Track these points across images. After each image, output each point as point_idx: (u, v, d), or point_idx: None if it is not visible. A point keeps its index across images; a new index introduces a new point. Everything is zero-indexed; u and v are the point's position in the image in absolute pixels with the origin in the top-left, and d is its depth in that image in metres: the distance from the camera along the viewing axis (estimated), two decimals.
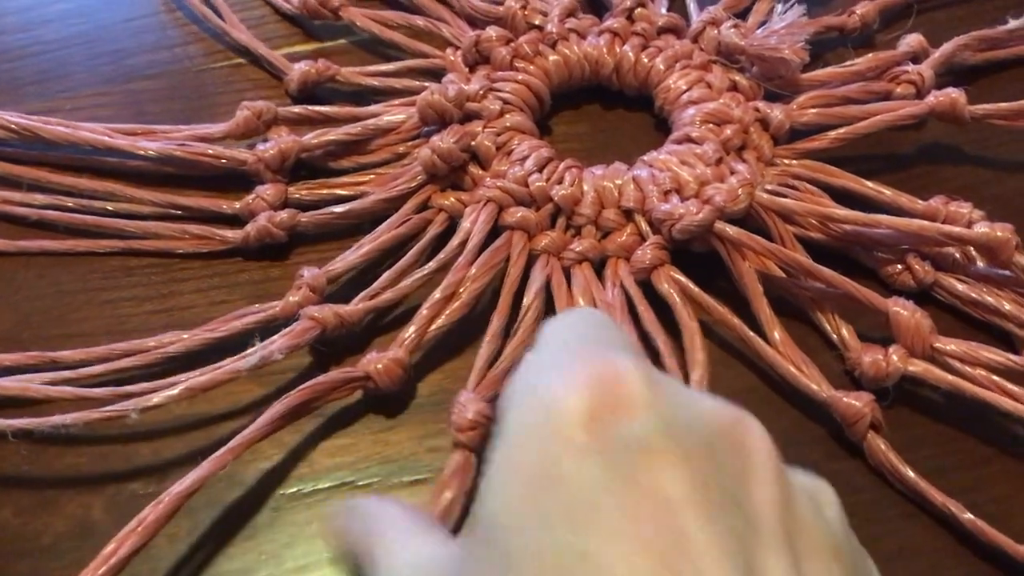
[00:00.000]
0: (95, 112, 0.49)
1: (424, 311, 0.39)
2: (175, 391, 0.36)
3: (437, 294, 0.39)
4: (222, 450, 0.34)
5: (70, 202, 0.45)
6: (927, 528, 0.36)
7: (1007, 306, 0.41)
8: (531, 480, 0.20)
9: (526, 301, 0.40)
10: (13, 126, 0.45)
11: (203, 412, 0.39)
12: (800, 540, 0.21)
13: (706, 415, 0.21)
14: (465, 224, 0.42)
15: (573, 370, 0.21)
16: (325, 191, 0.45)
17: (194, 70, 0.51)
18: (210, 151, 0.45)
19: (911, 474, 0.36)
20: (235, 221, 0.44)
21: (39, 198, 0.45)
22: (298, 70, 0.49)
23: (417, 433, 0.38)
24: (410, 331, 0.38)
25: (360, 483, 0.37)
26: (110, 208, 0.45)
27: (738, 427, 0.22)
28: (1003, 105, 0.47)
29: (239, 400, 0.39)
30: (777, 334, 0.39)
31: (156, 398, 0.36)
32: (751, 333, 0.39)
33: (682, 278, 0.41)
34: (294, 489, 0.37)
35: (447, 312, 0.39)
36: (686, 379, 0.38)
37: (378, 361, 0.37)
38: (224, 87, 0.50)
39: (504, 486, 0.20)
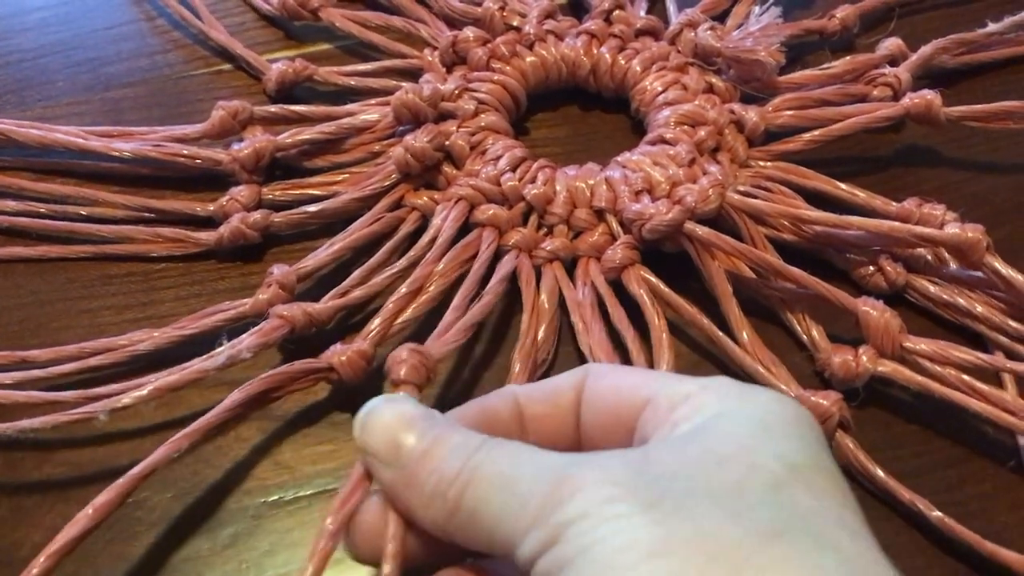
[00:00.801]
0: (74, 120, 0.48)
1: (390, 305, 0.39)
2: (144, 391, 0.36)
3: (403, 288, 0.39)
4: (179, 435, 0.33)
5: (42, 208, 0.45)
6: (904, 529, 0.36)
7: (979, 308, 0.41)
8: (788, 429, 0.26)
9: (491, 283, 0.40)
10: None
11: (179, 416, 0.38)
12: None
13: None
14: (436, 221, 0.42)
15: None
16: (299, 191, 0.45)
17: (173, 77, 0.51)
18: (185, 151, 0.45)
19: (880, 473, 0.36)
20: (209, 223, 0.44)
21: (11, 204, 0.45)
22: (276, 69, 0.49)
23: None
24: (375, 324, 0.38)
25: None
26: (83, 213, 0.45)
27: None
28: (978, 107, 0.47)
29: (214, 403, 0.38)
30: (746, 334, 0.39)
31: (125, 399, 0.36)
32: (720, 333, 0.39)
33: (652, 278, 0.41)
34: (275, 497, 0.37)
35: (413, 306, 0.39)
36: None
37: (342, 353, 0.37)
38: (203, 94, 0.50)
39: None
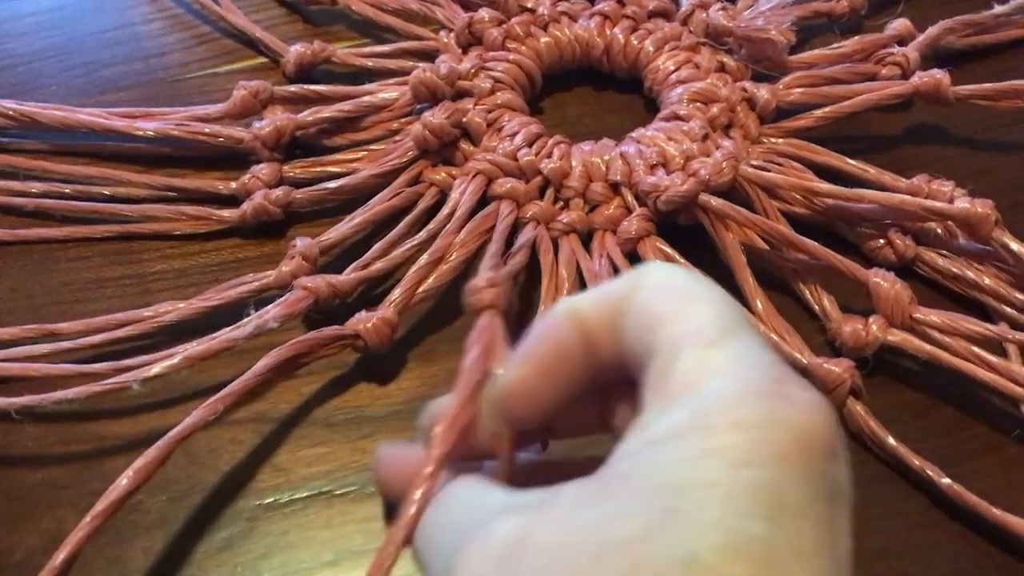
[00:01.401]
0: None
1: (411, 274, 0.40)
2: (175, 360, 0.37)
3: (424, 258, 0.40)
4: (213, 398, 0.34)
5: (67, 189, 0.46)
6: (909, 527, 0.36)
7: (987, 280, 0.41)
8: (738, 465, 0.20)
9: (517, 244, 0.41)
10: (10, 112, 0.46)
11: (178, 422, 0.37)
12: None
13: None
14: (454, 195, 0.43)
15: (813, 399, 0.22)
16: (319, 169, 0.46)
17: (168, 80, 0.51)
18: (207, 130, 0.46)
19: (890, 440, 0.37)
20: (231, 202, 0.45)
21: (36, 187, 0.46)
22: (294, 51, 0.50)
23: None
24: (397, 293, 0.39)
25: (337, 492, 0.37)
26: (107, 193, 0.45)
27: None
28: (987, 85, 0.48)
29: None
30: (760, 303, 0.40)
31: (156, 368, 0.36)
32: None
33: (668, 248, 0.42)
34: (270, 500, 0.37)
35: (434, 275, 0.40)
36: None
37: (367, 320, 0.38)
38: (199, 97, 0.50)
39: (702, 455, 0.20)
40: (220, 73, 0.52)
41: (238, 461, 0.38)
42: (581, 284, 0.41)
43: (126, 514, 0.35)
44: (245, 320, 0.38)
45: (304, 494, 0.37)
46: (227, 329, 0.38)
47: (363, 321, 0.38)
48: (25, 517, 0.36)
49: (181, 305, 0.40)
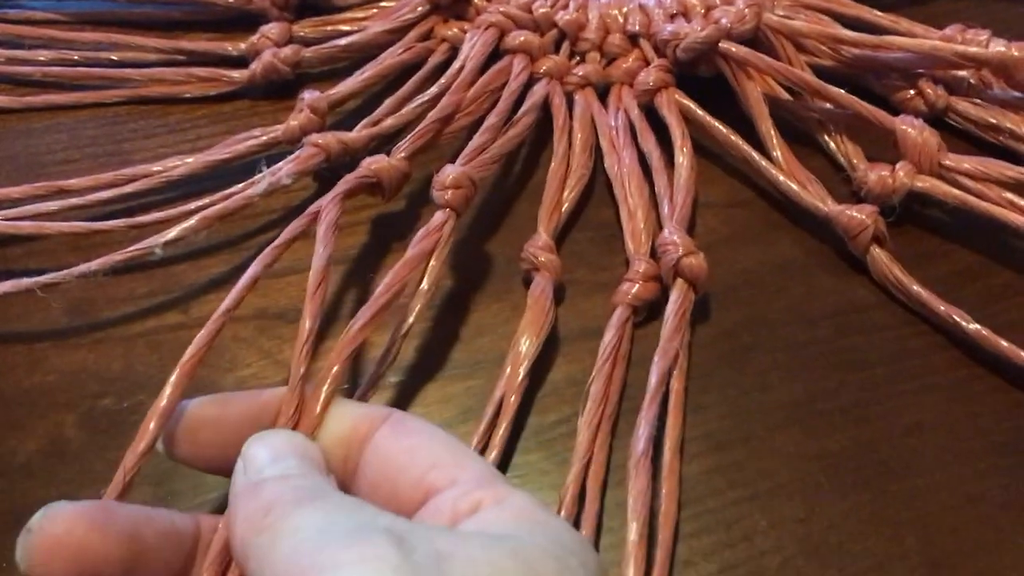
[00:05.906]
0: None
1: (420, 129, 0.38)
2: (191, 221, 0.36)
3: (433, 114, 0.38)
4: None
5: (75, 55, 0.45)
6: (943, 401, 0.35)
7: None
8: None
9: (523, 109, 0.39)
10: None
11: (177, 323, 0.37)
12: None
13: None
14: (464, 48, 0.42)
15: None
16: (329, 27, 0.45)
17: None
18: None
19: (916, 287, 0.36)
20: (242, 64, 0.44)
21: (44, 54, 0.45)
22: None
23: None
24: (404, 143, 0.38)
25: None
26: (115, 58, 0.45)
27: None
28: None
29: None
30: (780, 153, 0.38)
31: (174, 232, 0.35)
32: (755, 154, 0.38)
33: (686, 101, 0.40)
34: None
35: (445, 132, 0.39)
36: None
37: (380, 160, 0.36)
38: None
39: None
40: None
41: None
42: (596, 141, 0.40)
43: (126, 415, 0.34)
44: (257, 176, 0.38)
45: None
46: (240, 186, 0.38)
47: (377, 161, 0.36)
48: (24, 421, 0.35)
49: (190, 160, 0.39)
